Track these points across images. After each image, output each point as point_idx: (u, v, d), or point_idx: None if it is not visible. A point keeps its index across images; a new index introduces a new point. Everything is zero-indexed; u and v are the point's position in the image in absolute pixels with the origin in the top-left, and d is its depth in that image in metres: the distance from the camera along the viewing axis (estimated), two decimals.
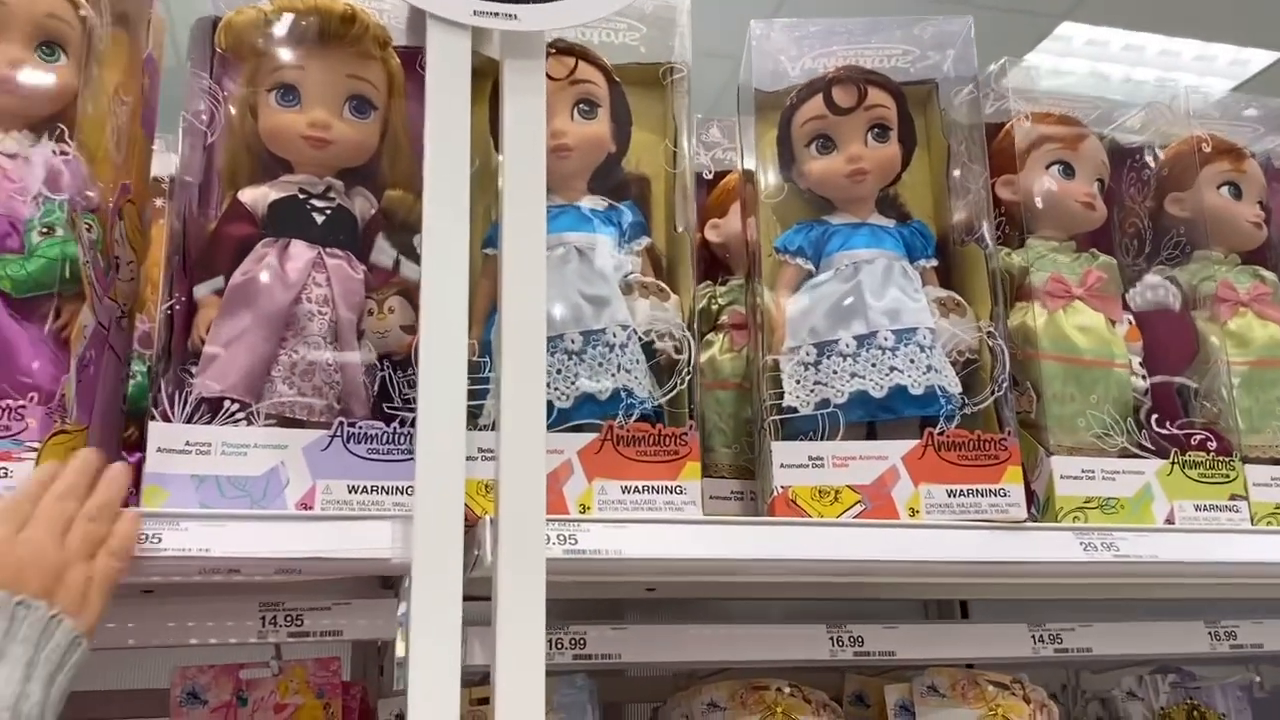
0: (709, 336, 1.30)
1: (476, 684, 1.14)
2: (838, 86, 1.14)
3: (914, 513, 1.00)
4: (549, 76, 1.05)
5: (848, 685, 1.28)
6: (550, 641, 1.04)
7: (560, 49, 1.07)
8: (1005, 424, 1.04)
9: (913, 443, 1.02)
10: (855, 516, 1.00)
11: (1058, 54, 5.13)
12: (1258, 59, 5.10)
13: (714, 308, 1.32)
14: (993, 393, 1.05)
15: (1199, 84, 5.38)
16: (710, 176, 1.44)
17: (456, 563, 0.79)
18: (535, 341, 0.77)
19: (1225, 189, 1.32)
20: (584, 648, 1.06)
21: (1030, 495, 1.12)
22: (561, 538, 0.87)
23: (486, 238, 1.05)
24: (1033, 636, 1.19)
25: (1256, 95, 1.39)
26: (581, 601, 1.33)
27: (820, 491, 1.01)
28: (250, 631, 0.99)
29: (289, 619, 1.00)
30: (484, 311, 1.02)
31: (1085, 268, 1.23)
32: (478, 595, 0.80)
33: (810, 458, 1.02)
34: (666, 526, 0.91)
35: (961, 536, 0.99)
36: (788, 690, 1.14)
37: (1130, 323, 1.25)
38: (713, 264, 1.39)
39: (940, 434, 1.03)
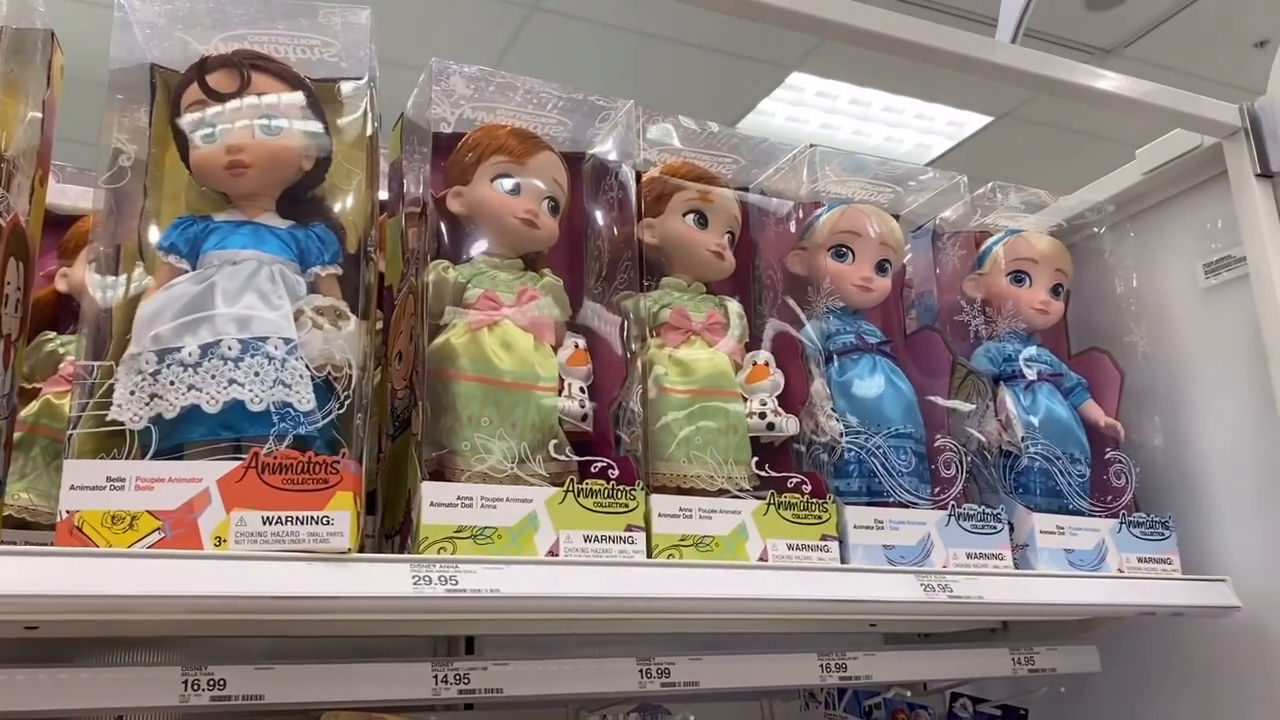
0: None
1: None
2: (218, 71, 1.04)
3: (221, 541, 0.90)
4: None
5: None
6: None
7: None
8: (341, 446, 0.95)
9: (232, 464, 0.92)
10: (152, 546, 0.89)
11: (791, 103, 5.32)
12: (972, 122, 5.45)
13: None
14: (331, 412, 0.96)
15: (921, 140, 5.72)
16: None
17: None
18: None
19: (691, 217, 1.30)
20: None
21: (407, 523, 1.04)
22: None
23: None
24: (435, 677, 1.11)
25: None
26: None
27: (114, 517, 0.89)
28: None
29: None
30: None
31: (523, 286, 1.18)
32: None
33: (109, 479, 0.90)
34: None
35: (270, 569, 0.89)
36: None
37: (578, 346, 1.21)
38: None
39: (268, 455, 0.93)
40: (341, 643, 1.31)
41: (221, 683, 1.03)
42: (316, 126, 1.08)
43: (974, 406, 1.35)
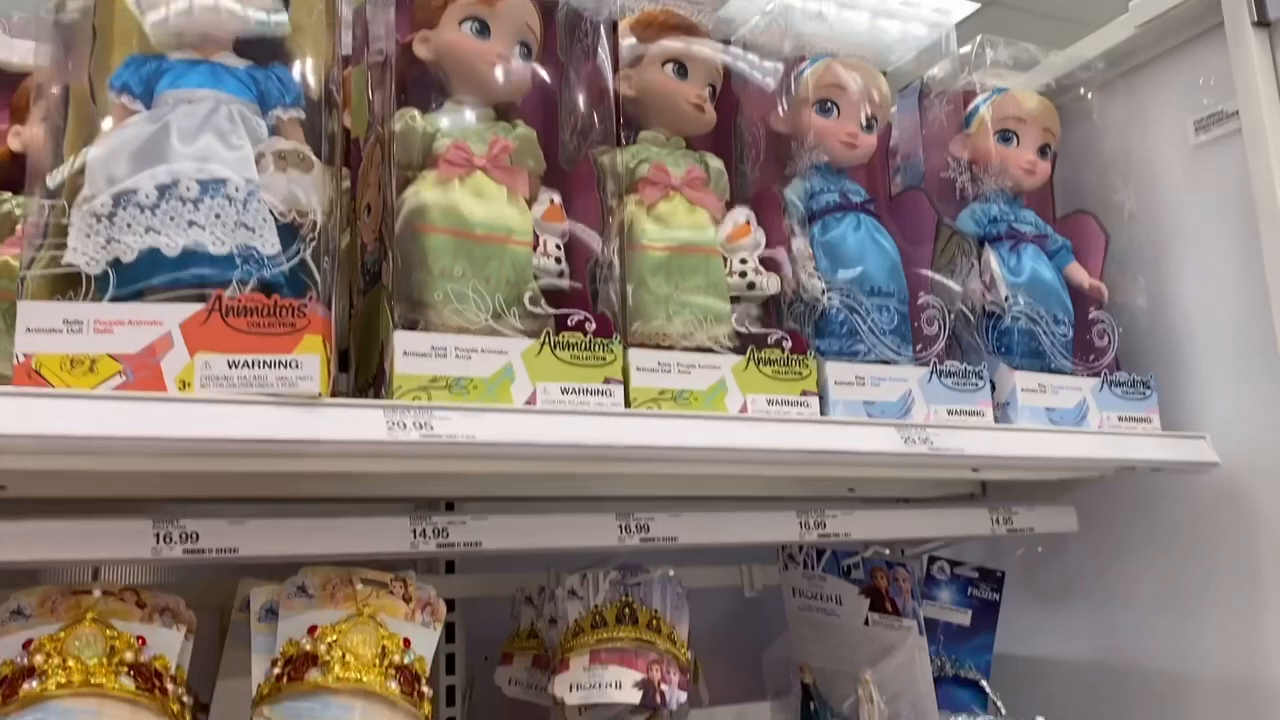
0: None
1: None
2: None
3: (185, 385, 0.87)
4: None
5: (240, 590, 1.16)
6: None
7: None
8: (308, 290, 0.92)
9: (196, 307, 0.89)
10: (114, 389, 0.86)
11: None
12: (959, 9, 5.31)
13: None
14: (297, 252, 0.93)
15: (906, 29, 5.58)
16: None
17: None
18: None
19: (670, 67, 1.26)
20: None
21: (381, 375, 1.02)
22: None
23: None
24: (413, 530, 1.10)
25: None
26: None
27: (73, 361, 0.86)
28: None
29: None
30: None
31: (495, 136, 1.13)
32: None
33: (66, 321, 0.87)
34: None
35: (239, 412, 0.87)
36: (101, 594, 1.00)
37: (554, 201, 1.18)
38: None
39: (232, 298, 0.90)
40: (317, 506, 1.30)
41: (194, 535, 1.02)
42: None
43: (959, 289, 1.33)
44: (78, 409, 0.84)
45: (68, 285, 0.90)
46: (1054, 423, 1.30)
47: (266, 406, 0.88)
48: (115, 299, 0.90)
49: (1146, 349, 1.43)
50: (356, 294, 1.15)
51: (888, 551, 1.39)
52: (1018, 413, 1.28)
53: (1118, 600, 1.51)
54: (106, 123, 0.94)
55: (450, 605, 1.47)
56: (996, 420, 1.28)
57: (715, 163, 1.27)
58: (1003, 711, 1.43)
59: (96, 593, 1.00)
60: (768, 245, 1.25)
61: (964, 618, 1.53)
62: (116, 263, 0.91)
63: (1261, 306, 1.33)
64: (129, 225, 0.91)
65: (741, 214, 1.27)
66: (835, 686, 1.42)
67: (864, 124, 1.35)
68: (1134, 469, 1.37)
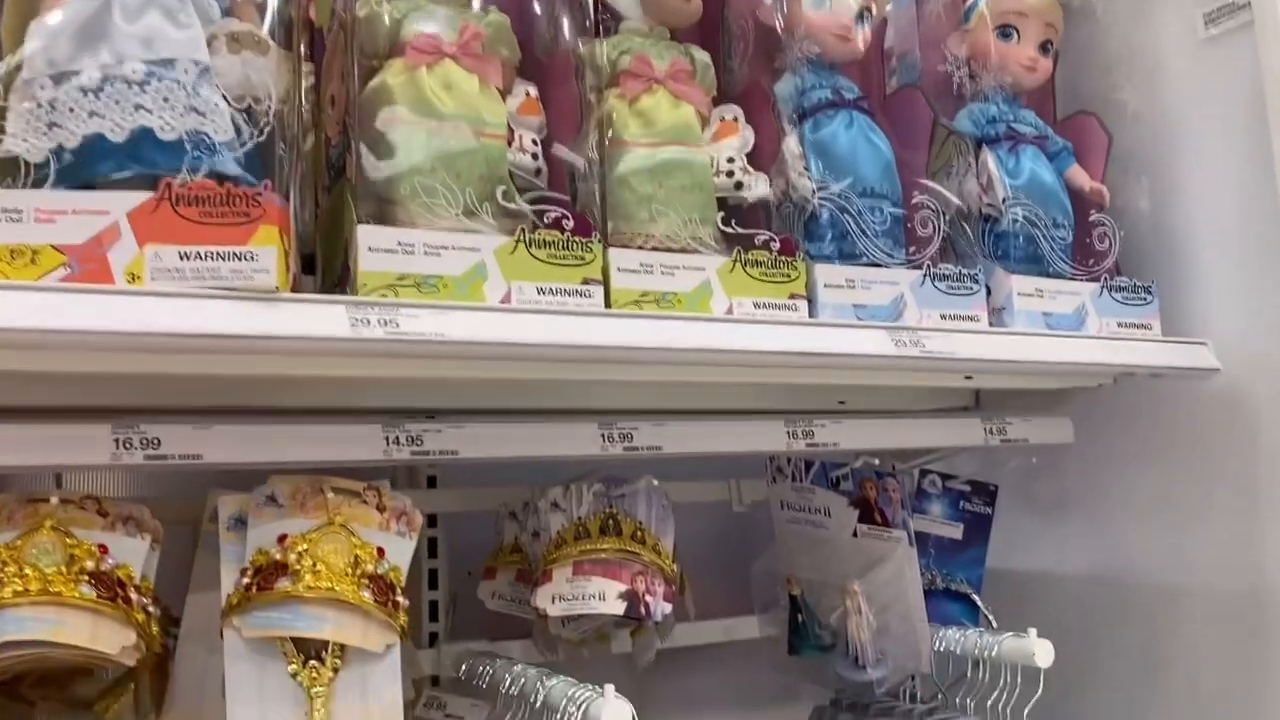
0: None
1: None
2: None
3: (134, 278, 0.83)
4: None
5: (209, 500, 1.13)
6: None
7: None
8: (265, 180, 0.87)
9: (144, 195, 0.84)
10: (59, 281, 0.81)
11: None
12: None
13: None
14: (249, 141, 0.88)
15: None
16: None
17: None
18: None
19: None
20: None
21: (346, 273, 0.97)
22: None
23: None
24: (386, 438, 1.06)
25: None
26: None
27: (13, 252, 0.81)
28: None
29: None
30: None
31: (464, 22, 1.07)
32: None
33: (4, 210, 0.82)
34: None
35: (194, 305, 0.82)
36: (60, 502, 0.97)
37: (529, 94, 1.12)
38: None
39: (182, 186, 0.84)
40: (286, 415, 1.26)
41: (155, 441, 0.97)
42: None
43: (957, 201, 1.27)
44: (19, 300, 0.79)
45: (5, 174, 0.85)
46: (1051, 328, 1.26)
47: (221, 300, 0.83)
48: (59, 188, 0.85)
49: (1148, 253, 1.38)
50: (322, 192, 1.09)
51: (878, 462, 1.36)
52: (1014, 318, 1.24)
53: (1114, 513, 1.49)
54: (52, 15, 0.87)
55: (432, 520, 1.44)
56: (991, 326, 1.23)
57: (701, 55, 1.21)
58: (994, 625, 1.41)
59: (55, 500, 0.96)
60: (756, 143, 1.20)
61: (955, 531, 1.51)
62: (60, 150, 0.85)
63: (1269, 209, 1.28)
64: (71, 110, 0.85)
65: (729, 110, 1.21)
66: (823, 598, 1.39)
67: (859, 17, 1.28)
68: (1132, 376, 1.34)
